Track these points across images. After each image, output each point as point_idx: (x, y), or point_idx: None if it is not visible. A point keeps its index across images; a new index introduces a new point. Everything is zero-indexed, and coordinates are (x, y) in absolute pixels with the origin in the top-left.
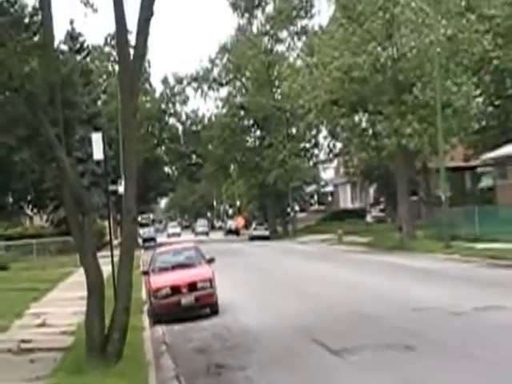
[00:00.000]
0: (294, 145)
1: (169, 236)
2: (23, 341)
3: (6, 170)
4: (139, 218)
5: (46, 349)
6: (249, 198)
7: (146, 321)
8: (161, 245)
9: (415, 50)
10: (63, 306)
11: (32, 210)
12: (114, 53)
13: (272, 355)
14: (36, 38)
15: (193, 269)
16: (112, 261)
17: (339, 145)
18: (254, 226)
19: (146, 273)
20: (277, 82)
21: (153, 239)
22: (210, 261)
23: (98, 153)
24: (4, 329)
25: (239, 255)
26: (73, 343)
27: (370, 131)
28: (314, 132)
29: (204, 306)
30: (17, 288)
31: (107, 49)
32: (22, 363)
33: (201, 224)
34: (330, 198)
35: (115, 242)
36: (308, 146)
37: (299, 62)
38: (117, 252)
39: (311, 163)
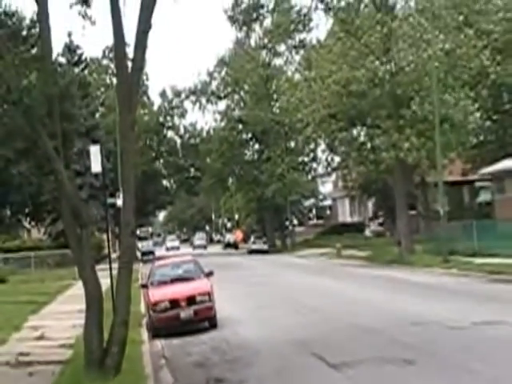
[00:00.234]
0: (292, 158)
1: (168, 249)
2: (21, 354)
3: (4, 182)
4: (137, 232)
5: (45, 362)
6: (247, 211)
7: (144, 334)
8: (159, 258)
9: (413, 65)
10: (62, 319)
11: (30, 223)
12: (112, 65)
13: (271, 369)
14: (34, 51)
15: (191, 282)
16: (111, 274)
17: (337, 159)
18: (252, 239)
19: (144, 286)
20: (275, 96)
21: (151, 252)
22: (209, 274)
23: (96, 165)
24: (2, 342)
25: (238, 269)
26: (71, 356)
27: (369, 145)
28: (312, 146)
29: (203, 319)
30: (15, 301)
31: (105, 61)
32: (20, 376)
33: (198, 237)
34: (328, 212)
35: (114, 256)
36: (306, 159)
37: (297, 76)
38: (115, 265)
39: (309, 177)
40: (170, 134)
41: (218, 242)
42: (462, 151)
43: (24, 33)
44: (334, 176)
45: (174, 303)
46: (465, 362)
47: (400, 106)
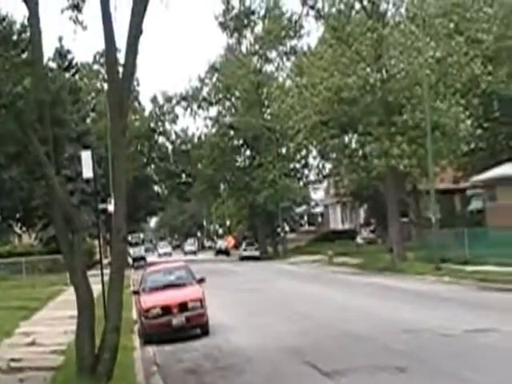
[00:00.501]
0: (283, 165)
1: (160, 256)
2: (13, 360)
3: None
4: (129, 238)
5: (36, 368)
6: (239, 217)
7: (136, 341)
8: (151, 264)
9: (404, 72)
10: (53, 324)
11: (21, 228)
12: (103, 70)
13: (263, 376)
14: (25, 55)
15: (183, 289)
16: (102, 280)
17: (329, 165)
18: (244, 246)
19: (136, 292)
20: (266, 102)
21: (143, 258)
22: (201, 281)
23: (87, 171)
24: None
25: (229, 275)
26: (63, 363)
27: (360, 152)
28: (303, 152)
29: (195, 326)
30: (6, 306)
31: (96, 66)
32: (11, 382)
33: (189, 243)
34: (320, 219)
35: (105, 261)
36: (298, 166)
37: (288, 83)
38: (107, 271)
39: (301, 184)
40: (161, 139)
41: (210, 248)
42: (454, 159)
43: (14, 37)
44: (325, 183)
45: (166, 310)
46: (456, 369)
47: (391, 113)
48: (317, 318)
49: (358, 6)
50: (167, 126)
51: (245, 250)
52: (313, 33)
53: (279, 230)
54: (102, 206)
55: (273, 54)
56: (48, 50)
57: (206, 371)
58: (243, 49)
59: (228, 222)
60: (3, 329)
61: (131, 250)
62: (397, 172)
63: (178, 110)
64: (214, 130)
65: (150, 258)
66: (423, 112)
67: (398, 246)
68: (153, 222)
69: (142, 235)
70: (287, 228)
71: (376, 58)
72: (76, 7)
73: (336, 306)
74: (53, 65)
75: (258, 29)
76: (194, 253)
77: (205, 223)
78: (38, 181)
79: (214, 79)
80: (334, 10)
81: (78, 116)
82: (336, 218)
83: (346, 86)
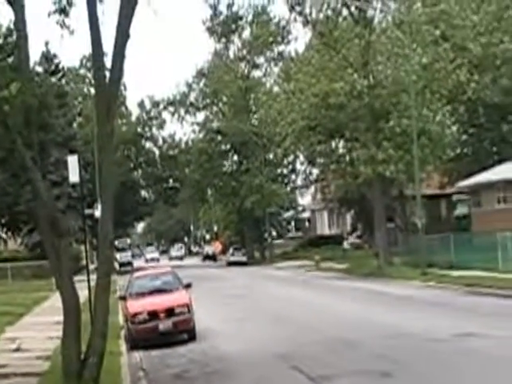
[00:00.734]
0: (271, 170)
1: (147, 261)
2: None
3: None
4: (116, 243)
5: (22, 374)
6: (226, 223)
7: (123, 346)
8: (137, 269)
9: (391, 78)
10: (39, 330)
11: (6, 234)
12: (90, 75)
13: (250, 382)
14: (11, 60)
15: (170, 294)
16: (89, 285)
17: (316, 171)
18: (231, 251)
19: (123, 298)
20: (254, 108)
21: (129, 264)
22: (188, 286)
23: (73, 176)
24: None
25: (216, 280)
26: (49, 368)
27: (347, 158)
28: (291, 158)
29: (182, 331)
30: None
31: (83, 71)
32: None
33: (175, 249)
34: (307, 224)
35: (92, 267)
36: (285, 171)
37: (276, 88)
38: (93, 276)
39: (288, 189)
40: (148, 144)
41: (197, 253)
42: (439, 164)
43: (0, 41)
44: (312, 188)
45: (153, 315)
46: (442, 374)
47: (378, 119)
48: (303, 322)
49: (345, 12)
50: (154, 131)
51: (232, 255)
52: (300, 38)
53: (266, 235)
54: (88, 210)
55: (260, 60)
56: (34, 54)
57: (193, 376)
58: (231, 54)
59: (215, 228)
60: None
61: (118, 256)
62: (383, 178)
63: (166, 115)
64: (201, 135)
65: (138, 264)
66: (410, 118)
67: (385, 251)
68: (140, 227)
69: (129, 240)
70: (274, 233)
71: (363, 64)
72: (63, 11)
73: (322, 310)
74: (39, 69)
75: (246, 34)
76: (180, 258)
77: (192, 228)
78: (24, 186)
79: (202, 84)
80: (321, 15)
81: (64, 120)
82: (323, 223)
83: (333, 92)
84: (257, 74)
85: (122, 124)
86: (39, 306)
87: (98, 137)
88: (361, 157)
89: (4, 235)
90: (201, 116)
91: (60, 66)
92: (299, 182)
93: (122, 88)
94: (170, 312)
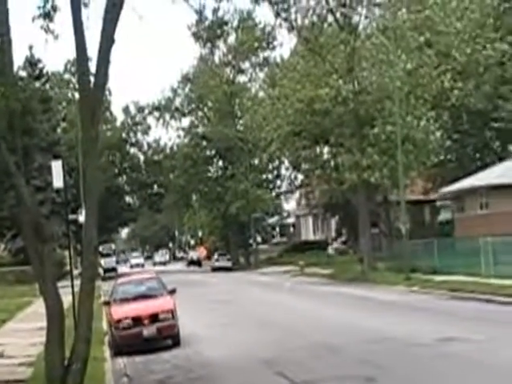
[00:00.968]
0: (256, 176)
1: (132, 267)
2: None
3: None
4: (100, 248)
5: (4, 381)
6: (211, 228)
7: (106, 352)
8: (122, 275)
9: (375, 84)
10: (22, 336)
11: None
12: (74, 80)
13: None
14: None
15: (154, 300)
16: (72, 291)
17: (301, 176)
18: (216, 256)
19: (107, 303)
20: (239, 113)
21: (114, 270)
22: (172, 292)
23: (57, 181)
24: None
25: (201, 286)
26: (32, 375)
27: (332, 163)
28: (276, 163)
29: (166, 337)
30: None
31: (67, 75)
32: None
33: (159, 254)
34: (291, 230)
35: (76, 272)
36: (270, 177)
37: (261, 94)
38: (77, 282)
39: (273, 194)
40: (133, 150)
41: (181, 259)
42: (424, 170)
43: None
44: (297, 194)
45: (137, 321)
46: (426, 378)
47: (363, 125)
48: (287, 327)
49: (330, 18)
50: (139, 136)
51: (217, 260)
52: (286, 44)
53: (251, 240)
54: (72, 216)
55: (246, 65)
56: (18, 59)
57: (177, 382)
58: (216, 59)
59: (200, 233)
60: None
61: (102, 261)
62: (368, 183)
63: (151, 120)
64: (186, 141)
65: (122, 269)
66: (394, 125)
67: (369, 257)
68: (124, 232)
69: (113, 246)
70: (259, 239)
71: (348, 70)
72: (47, 16)
73: (307, 315)
74: (23, 74)
75: (231, 39)
76: (164, 264)
77: (177, 234)
78: (7, 191)
79: (187, 89)
80: (306, 21)
81: (48, 125)
82: (308, 228)
83: (318, 98)
84: (242, 79)
85: (107, 129)
86: (22, 311)
87: (82, 142)
88: (346, 163)
89: None
90: (186, 121)
91: (44, 71)
92: (284, 187)
93: (107, 93)
94: (154, 318)
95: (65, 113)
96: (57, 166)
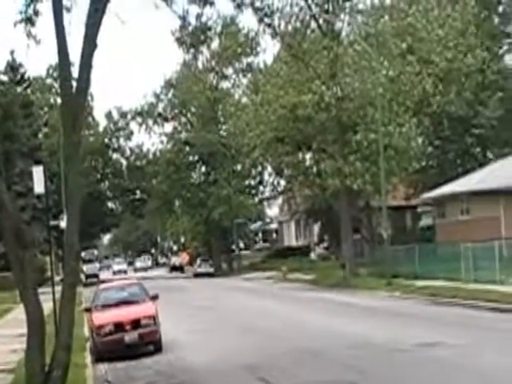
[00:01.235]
0: (239, 181)
1: (114, 273)
2: None
3: None
4: (83, 254)
5: None
6: (193, 234)
7: (88, 358)
8: (104, 281)
9: (358, 91)
10: (2, 343)
11: None
12: (57, 85)
13: None
14: None
15: (136, 305)
16: (53, 297)
17: (284, 182)
18: (198, 262)
19: (88, 309)
20: (222, 119)
21: (96, 276)
22: (154, 297)
23: (38, 187)
24: None
25: (183, 292)
26: (12, 381)
27: (315, 169)
28: (259, 169)
29: (148, 343)
30: None
31: (49, 80)
32: None
33: (140, 260)
34: (274, 235)
35: (57, 278)
36: (253, 182)
37: (244, 99)
38: (58, 288)
39: (256, 200)
40: (115, 155)
41: (164, 264)
42: (405, 176)
43: None
44: (280, 199)
45: (119, 327)
46: (407, 383)
47: (346, 131)
48: (270, 333)
49: (313, 24)
50: (122, 141)
51: (199, 266)
52: (269, 50)
53: (234, 246)
54: (53, 222)
55: (229, 71)
56: None
57: None
58: (199, 65)
59: (182, 239)
60: None
61: (85, 267)
62: (350, 189)
63: (133, 125)
64: (169, 146)
65: (105, 275)
66: (376, 132)
67: (351, 262)
68: (106, 238)
69: (96, 252)
70: (242, 244)
71: (331, 76)
72: (29, 21)
73: (289, 321)
74: (4, 78)
75: (215, 45)
76: (145, 269)
77: (159, 240)
78: None
79: (170, 95)
80: (290, 28)
81: (29, 131)
82: (290, 234)
83: (300, 104)
84: (225, 85)
85: (89, 135)
86: (2, 318)
87: (64, 147)
88: (328, 169)
89: None
90: (169, 127)
91: (26, 76)
92: (267, 193)
93: (89, 98)
94: (135, 324)
95: (47, 118)
96: (38, 172)
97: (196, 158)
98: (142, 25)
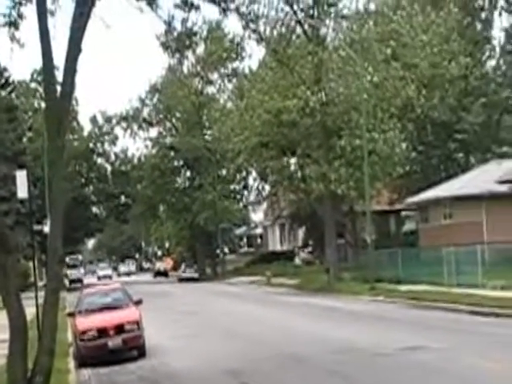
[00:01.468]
0: (223, 186)
1: (99, 278)
2: None
3: None
4: (66, 259)
5: None
6: (178, 239)
7: (71, 363)
8: (87, 286)
9: (342, 96)
10: None
11: None
12: (41, 89)
13: None
14: None
15: (120, 311)
16: (36, 302)
17: (268, 187)
18: (183, 267)
19: (71, 314)
20: (207, 124)
21: (80, 281)
22: (138, 302)
23: (22, 191)
24: None
25: (168, 297)
26: None
27: (299, 174)
28: (243, 174)
29: (131, 348)
30: None
31: (33, 84)
32: None
33: (124, 265)
34: (259, 240)
35: (40, 284)
36: (238, 187)
37: (229, 105)
38: (41, 293)
39: (241, 205)
40: (100, 160)
41: (148, 270)
42: (389, 181)
43: None
44: (265, 204)
45: (102, 332)
46: None
47: (330, 136)
48: (254, 338)
49: (299, 29)
50: (106, 146)
51: (184, 271)
52: (254, 55)
53: (218, 251)
54: (37, 227)
55: (214, 76)
56: None
57: None
58: (185, 70)
59: (167, 244)
60: None
61: (68, 272)
62: (335, 194)
63: (118, 130)
64: (154, 151)
65: (90, 281)
66: (361, 138)
67: (335, 267)
68: (90, 243)
69: (80, 257)
70: (226, 249)
71: (316, 82)
72: (13, 24)
73: (273, 326)
74: None
75: (200, 50)
76: (128, 274)
77: (143, 245)
78: None
79: (155, 100)
80: (275, 33)
81: (13, 135)
82: (275, 239)
83: (285, 109)
84: (211, 90)
85: (74, 139)
86: None
87: (48, 152)
88: (313, 174)
89: None
90: (154, 132)
91: (10, 80)
92: (252, 198)
93: (74, 103)
94: (119, 329)
95: (31, 122)
96: (22, 176)
97: (181, 162)
98: (127, 29)
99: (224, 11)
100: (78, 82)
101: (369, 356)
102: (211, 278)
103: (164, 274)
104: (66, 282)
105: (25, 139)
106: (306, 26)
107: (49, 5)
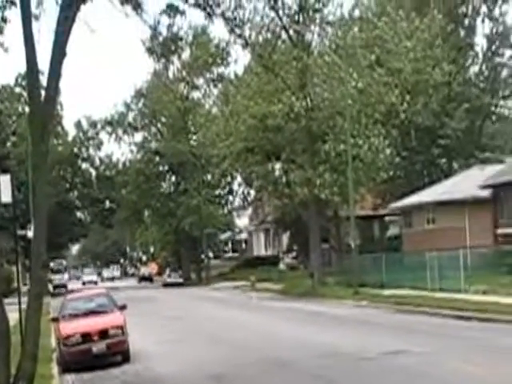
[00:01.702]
0: (208, 191)
1: (84, 284)
2: None
3: None
4: (51, 264)
5: None
6: (163, 244)
7: (54, 369)
8: (71, 291)
9: (327, 102)
10: None
11: None
12: (25, 93)
13: None
14: None
15: (104, 316)
16: (19, 307)
17: (253, 192)
18: (167, 272)
19: (55, 319)
20: (192, 129)
21: (64, 286)
22: (122, 308)
23: (5, 196)
24: None
25: (152, 302)
26: None
27: (284, 179)
28: (228, 179)
29: (115, 353)
30: None
31: (18, 89)
32: None
33: (107, 270)
34: (244, 245)
35: (23, 289)
36: (223, 192)
37: (215, 109)
38: (25, 299)
39: (226, 210)
40: (84, 165)
41: (133, 275)
42: (373, 186)
43: None
44: (250, 209)
45: (86, 337)
46: None
47: (315, 141)
48: (239, 343)
49: (284, 35)
50: (91, 151)
51: (168, 276)
52: (240, 61)
53: (203, 256)
54: (20, 231)
55: (200, 81)
56: None
57: None
58: (170, 74)
59: (152, 249)
60: None
61: (53, 277)
62: (319, 199)
63: (103, 135)
64: (139, 156)
65: (74, 286)
66: (345, 142)
67: (319, 272)
68: (74, 248)
69: (64, 262)
70: (211, 254)
71: (301, 87)
72: None
73: (257, 331)
74: None
75: (186, 55)
76: (112, 279)
77: (128, 250)
78: None
79: (140, 104)
80: (260, 38)
81: None
82: (259, 244)
83: (270, 114)
84: (196, 95)
85: (58, 144)
86: None
87: (32, 156)
88: (297, 179)
89: None
90: (139, 136)
91: None
92: (236, 203)
93: (59, 107)
94: (103, 334)
95: (15, 127)
96: (5, 181)
97: (166, 167)
98: (113, 34)
99: (210, 16)
100: (63, 87)
101: (353, 360)
102: (196, 283)
103: (149, 279)
104: (50, 287)
105: (9, 144)
106: (291, 32)
107: (33, 9)
